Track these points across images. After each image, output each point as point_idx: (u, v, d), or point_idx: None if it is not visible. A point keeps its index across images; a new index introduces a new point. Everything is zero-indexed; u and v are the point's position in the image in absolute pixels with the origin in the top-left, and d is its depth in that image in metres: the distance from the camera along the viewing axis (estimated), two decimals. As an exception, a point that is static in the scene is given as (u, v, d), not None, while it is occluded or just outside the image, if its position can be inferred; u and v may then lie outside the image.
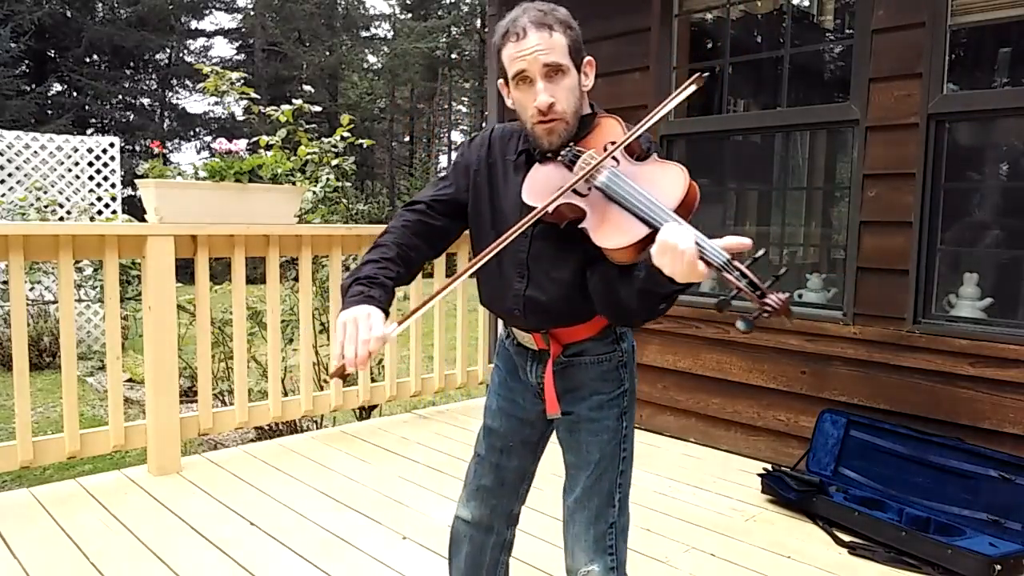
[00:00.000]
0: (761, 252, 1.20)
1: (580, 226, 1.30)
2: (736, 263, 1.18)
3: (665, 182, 1.29)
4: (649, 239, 1.21)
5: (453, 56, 28.55)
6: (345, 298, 1.33)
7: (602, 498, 1.52)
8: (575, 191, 1.32)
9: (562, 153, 1.39)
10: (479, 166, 1.50)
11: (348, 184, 4.65)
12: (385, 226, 1.51)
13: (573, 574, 1.54)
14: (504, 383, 1.63)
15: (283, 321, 3.88)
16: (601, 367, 1.52)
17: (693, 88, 1.32)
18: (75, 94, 20.79)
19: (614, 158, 1.33)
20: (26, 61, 18.62)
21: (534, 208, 1.33)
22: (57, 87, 20.76)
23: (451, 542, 1.73)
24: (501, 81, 1.45)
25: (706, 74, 1.38)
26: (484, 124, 23.35)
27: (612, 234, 1.26)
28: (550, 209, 1.31)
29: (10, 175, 6.61)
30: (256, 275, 4.00)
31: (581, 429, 1.52)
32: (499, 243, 1.31)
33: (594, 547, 1.50)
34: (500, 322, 1.68)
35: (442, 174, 1.55)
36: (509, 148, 1.50)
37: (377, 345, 1.25)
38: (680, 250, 1.12)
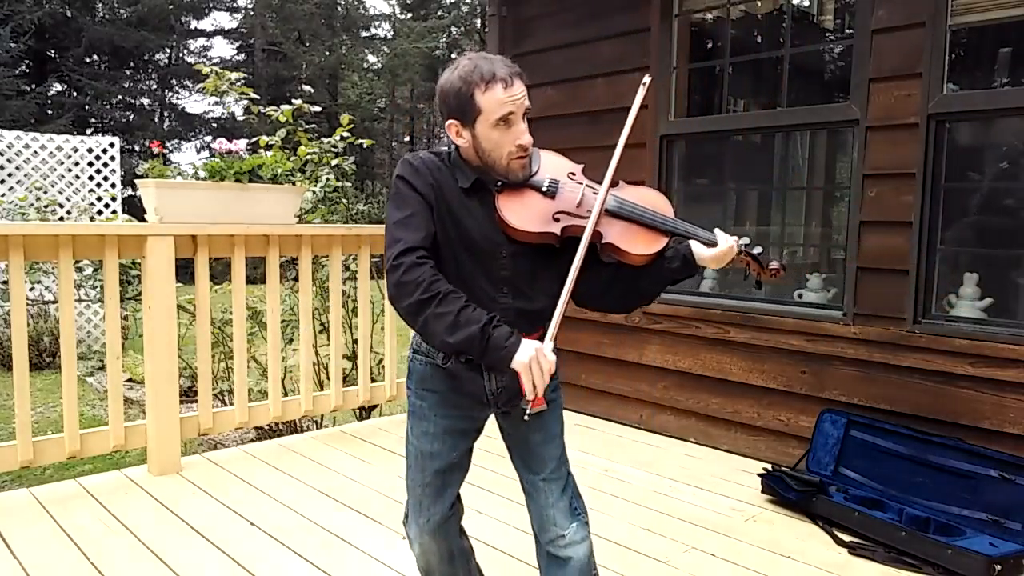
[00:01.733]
0: (746, 240, 1.65)
1: (604, 241, 1.58)
2: (744, 247, 1.63)
3: (658, 201, 1.66)
4: (668, 245, 1.60)
5: (453, 56, 28.53)
6: (491, 342, 1.41)
7: (564, 465, 1.74)
8: (576, 215, 1.58)
9: (546, 185, 1.60)
10: (434, 196, 1.54)
11: (348, 184, 4.64)
12: (421, 277, 1.45)
13: (552, 543, 1.70)
14: (442, 403, 1.66)
15: (283, 321, 3.88)
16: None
17: (643, 92, 1.71)
18: (75, 94, 20.78)
19: (591, 185, 1.64)
20: (26, 61, 18.61)
21: (523, 231, 1.55)
22: (57, 87, 20.74)
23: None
24: (455, 121, 1.54)
25: (647, 79, 1.78)
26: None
27: (640, 244, 1.59)
28: (591, 229, 1.53)
29: (10, 175, 6.61)
30: (256, 275, 4.00)
31: (546, 411, 1.63)
32: (579, 261, 1.50)
33: (568, 510, 1.71)
34: (420, 347, 1.67)
35: (406, 212, 1.52)
36: (446, 178, 1.57)
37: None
38: (732, 247, 1.58)
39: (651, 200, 1.65)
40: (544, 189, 1.60)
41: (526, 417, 1.45)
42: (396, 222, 1.51)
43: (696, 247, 1.60)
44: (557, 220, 1.58)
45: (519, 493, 1.79)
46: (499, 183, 1.58)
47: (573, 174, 1.66)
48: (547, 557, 1.74)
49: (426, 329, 1.45)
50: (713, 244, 1.60)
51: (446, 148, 1.64)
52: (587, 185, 1.64)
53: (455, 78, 1.53)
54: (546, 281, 1.60)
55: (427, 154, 1.62)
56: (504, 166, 1.55)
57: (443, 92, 1.56)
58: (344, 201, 4.61)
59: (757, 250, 1.64)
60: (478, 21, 26.70)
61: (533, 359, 1.41)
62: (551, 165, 1.65)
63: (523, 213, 1.56)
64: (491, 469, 2.65)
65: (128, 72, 22.36)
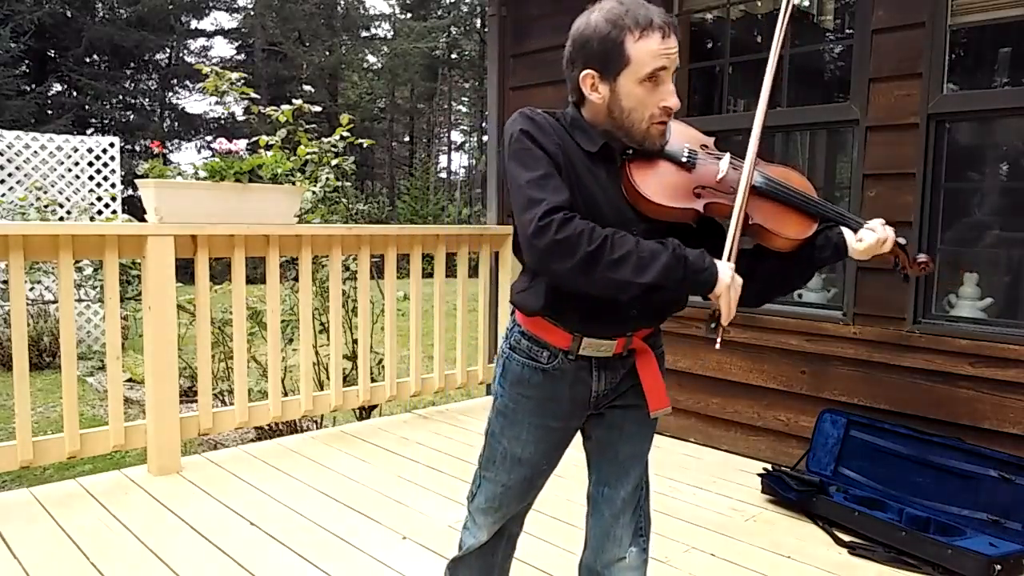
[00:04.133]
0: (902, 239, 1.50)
1: (753, 222, 1.40)
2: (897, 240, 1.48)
3: (803, 182, 1.51)
4: (818, 230, 1.46)
5: (453, 56, 28.57)
6: (689, 264, 1.27)
7: (643, 484, 1.58)
8: (719, 191, 1.42)
9: (686, 155, 1.44)
10: (561, 156, 1.36)
11: (348, 184, 4.64)
12: (580, 230, 1.26)
13: (608, 565, 1.55)
14: (539, 411, 1.50)
15: (283, 321, 3.88)
16: (662, 358, 1.58)
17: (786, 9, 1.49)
18: (75, 94, 20.79)
19: (732, 160, 1.46)
20: (26, 61, 18.62)
21: (662, 205, 1.38)
22: (57, 87, 20.76)
23: (461, 556, 1.68)
24: (594, 72, 1.36)
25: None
26: (484, 124, 23.34)
27: (791, 228, 1.43)
28: (738, 208, 1.37)
29: (10, 175, 6.61)
30: (256, 275, 4.00)
31: (646, 420, 1.53)
32: (735, 238, 1.36)
33: (634, 531, 1.55)
34: (519, 344, 1.50)
35: (538, 171, 1.31)
36: (572, 139, 1.40)
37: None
38: (887, 240, 1.43)
39: (796, 181, 1.49)
40: (684, 160, 1.43)
41: (717, 343, 1.31)
42: (529, 181, 1.29)
43: (848, 236, 1.45)
44: (699, 196, 1.40)
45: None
46: (630, 150, 1.40)
47: (706, 146, 1.50)
48: None
49: (608, 280, 1.25)
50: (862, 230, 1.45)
51: (556, 110, 1.46)
52: (729, 158, 1.47)
53: (601, 20, 1.34)
54: None
55: (546, 113, 1.41)
56: (643, 130, 1.37)
57: (583, 36, 1.36)
58: (344, 201, 4.61)
59: (902, 241, 1.50)
60: (478, 21, 26.70)
61: (732, 281, 1.29)
62: (682, 135, 1.49)
63: (661, 185, 1.39)
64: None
65: (128, 72, 22.38)
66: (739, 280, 1.31)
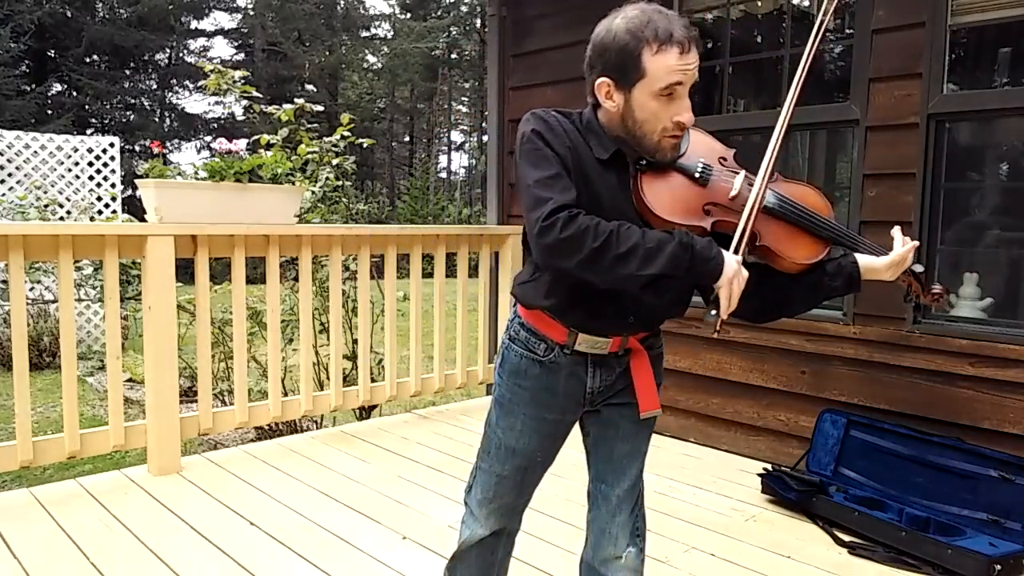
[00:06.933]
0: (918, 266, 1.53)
1: (760, 243, 1.40)
2: (912, 267, 1.50)
3: (819, 202, 1.48)
4: (828, 255, 1.44)
5: (453, 56, 28.57)
6: (696, 254, 1.28)
7: (640, 483, 1.59)
8: (729, 208, 1.40)
9: (699, 170, 1.42)
10: (570, 157, 1.37)
11: (348, 184, 4.65)
12: (578, 224, 1.27)
13: (604, 562, 1.56)
14: (533, 402, 1.52)
15: (283, 321, 3.88)
16: (659, 359, 1.60)
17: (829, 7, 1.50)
18: (75, 94, 20.78)
19: (748, 176, 1.44)
20: (26, 61, 18.62)
21: (669, 221, 1.36)
22: (57, 87, 20.75)
23: (460, 552, 1.69)
24: (609, 80, 1.36)
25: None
26: (484, 124, 23.35)
27: (799, 251, 1.42)
28: (748, 228, 1.36)
29: (10, 175, 6.61)
30: (256, 275, 4.00)
31: (642, 419, 1.53)
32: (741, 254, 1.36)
33: (631, 532, 1.55)
34: (518, 335, 1.52)
35: (548, 171, 1.32)
36: (584, 142, 1.41)
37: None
38: (908, 263, 1.46)
39: (812, 200, 1.47)
40: (696, 175, 1.41)
41: (715, 332, 1.32)
42: (537, 181, 1.31)
43: (864, 260, 1.45)
44: (708, 213, 1.39)
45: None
46: (643, 160, 1.40)
47: (724, 159, 1.47)
48: (593, 574, 1.60)
49: (615, 273, 1.28)
50: (882, 255, 1.45)
51: (573, 110, 1.45)
52: (744, 175, 1.44)
53: (622, 30, 1.34)
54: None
55: (556, 112, 1.41)
56: (654, 143, 1.37)
57: (603, 44, 1.36)
58: (344, 201, 4.61)
59: (919, 268, 1.50)
60: (478, 21, 26.69)
61: (736, 272, 1.29)
62: (700, 146, 1.46)
63: (670, 200, 1.38)
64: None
65: (128, 72, 22.38)
66: (744, 273, 1.32)
